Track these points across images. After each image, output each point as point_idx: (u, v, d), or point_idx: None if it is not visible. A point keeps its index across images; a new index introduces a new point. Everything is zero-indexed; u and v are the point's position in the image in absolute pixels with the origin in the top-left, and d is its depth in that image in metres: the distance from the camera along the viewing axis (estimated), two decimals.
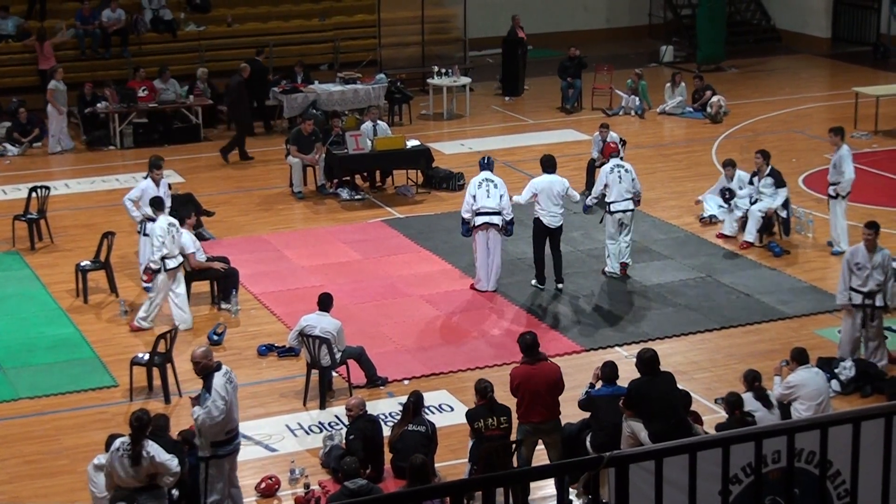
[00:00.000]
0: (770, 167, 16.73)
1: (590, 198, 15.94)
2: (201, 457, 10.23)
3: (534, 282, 15.41)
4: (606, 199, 15.46)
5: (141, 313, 14.38)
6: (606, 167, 15.73)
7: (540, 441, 10.80)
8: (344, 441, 11.15)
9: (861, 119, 22.45)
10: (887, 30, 28.70)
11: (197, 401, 10.17)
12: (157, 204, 14.59)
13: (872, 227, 12.99)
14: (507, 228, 15.16)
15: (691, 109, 23.73)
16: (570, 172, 18.20)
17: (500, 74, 25.69)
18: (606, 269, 15.68)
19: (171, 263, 14.18)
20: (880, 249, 12.93)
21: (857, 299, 12.91)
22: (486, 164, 15.41)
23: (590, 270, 15.93)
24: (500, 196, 15.01)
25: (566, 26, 29.18)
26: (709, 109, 23.30)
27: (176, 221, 14.40)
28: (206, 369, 10.17)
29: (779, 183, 16.64)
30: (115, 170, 20.77)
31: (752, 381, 11.25)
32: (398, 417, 11.43)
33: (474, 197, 15.00)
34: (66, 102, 21.70)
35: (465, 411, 11.42)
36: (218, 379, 10.06)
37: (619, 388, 10.83)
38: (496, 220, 15.01)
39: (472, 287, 15.36)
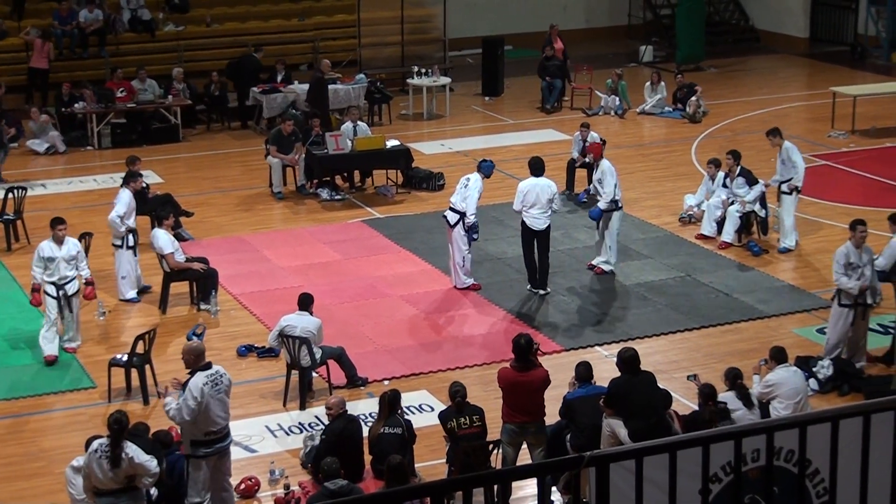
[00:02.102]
0: (740, 167, 16.81)
1: (602, 202, 15.47)
2: (184, 454, 10.22)
3: (528, 287, 15.31)
4: (615, 198, 15.43)
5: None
6: (608, 167, 15.61)
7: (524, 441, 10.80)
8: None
9: (838, 118, 22.56)
10: (864, 30, 28.85)
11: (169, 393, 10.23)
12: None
13: (863, 223, 12.99)
14: (469, 231, 15.04)
15: (670, 109, 23.80)
16: (551, 172, 18.14)
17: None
18: (607, 267, 15.71)
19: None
20: (866, 247, 12.96)
21: (849, 299, 12.93)
22: (481, 167, 15.33)
23: (570, 270, 15.95)
24: (465, 197, 14.97)
25: (546, 26, 29.17)
26: (688, 109, 23.36)
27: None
28: (188, 365, 10.14)
29: (750, 181, 16.72)
30: (92, 170, 20.67)
31: (734, 379, 11.28)
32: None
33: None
34: None
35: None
36: (196, 379, 10.01)
37: (594, 388, 10.82)
38: (452, 217, 15.00)
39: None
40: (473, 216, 14.96)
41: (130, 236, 15.08)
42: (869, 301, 12.99)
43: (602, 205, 15.40)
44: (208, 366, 10.14)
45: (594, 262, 15.82)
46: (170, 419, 10.18)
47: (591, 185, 16.37)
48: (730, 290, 15.36)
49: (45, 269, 13.55)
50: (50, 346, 13.57)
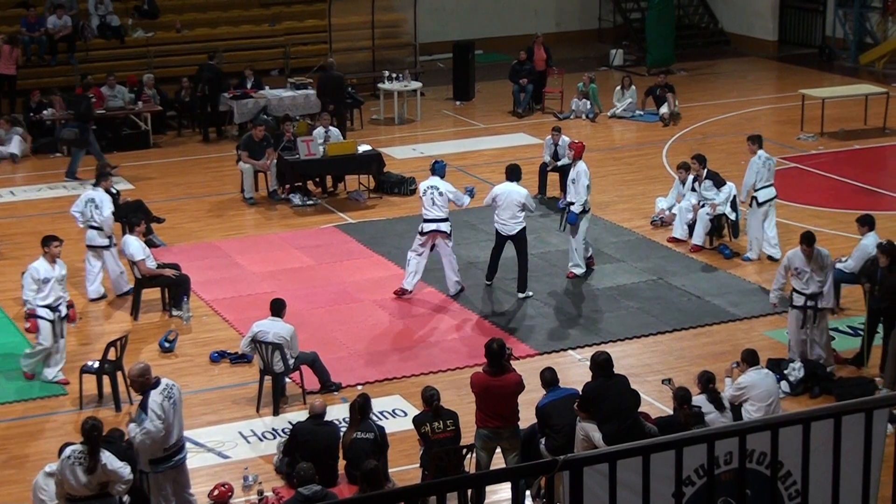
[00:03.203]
0: (707, 170, 16.90)
1: (576, 205, 15.47)
2: (142, 471, 10.10)
3: (486, 281, 15.53)
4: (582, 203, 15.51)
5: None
6: (584, 169, 15.60)
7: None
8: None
9: (807, 121, 22.70)
10: (832, 32, 29.06)
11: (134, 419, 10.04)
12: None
13: (809, 242, 12.98)
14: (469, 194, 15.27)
15: (641, 112, 23.88)
16: (523, 176, 18.24)
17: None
18: (578, 270, 15.77)
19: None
20: (818, 250, 13.00)
21: (800, 301, 13.03)
22: (436, 169, 15.36)
23: (543, 274, 15.98)
24: (450, 201, 14.99)
25: (517, 30, 29.28)
26: (665, 109, 23.46)
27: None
28: (143, 386, 9.95)
29: (718, 183, 16.80)
30: (61, 177, 20.52)
31: (707, 383, 11.32)
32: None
33: (423, 203, 15.04)
34: None
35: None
36: (154, 397, 9.84)
37: (562, 390, 10.83)
38: (444, 226, 15.02)
39: (398, 292, 15.31)
40: (464, 196, 15.13)
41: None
42: (821, 305, 13.00)
43: (576, 208, 15.43)
44: (158, 382, 9.98)
45: (572, 269, 15.85)
46: (137, 446, 9.96)
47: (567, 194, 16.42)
48: (702, 292, 15.43)
49: (39, 292, 12.95)
50: (51, 372, 13.16)
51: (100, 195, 15.29)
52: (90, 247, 15.21)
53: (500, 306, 15.18)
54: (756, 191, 16.11)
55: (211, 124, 22.67)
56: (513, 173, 15.19)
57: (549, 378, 10.93)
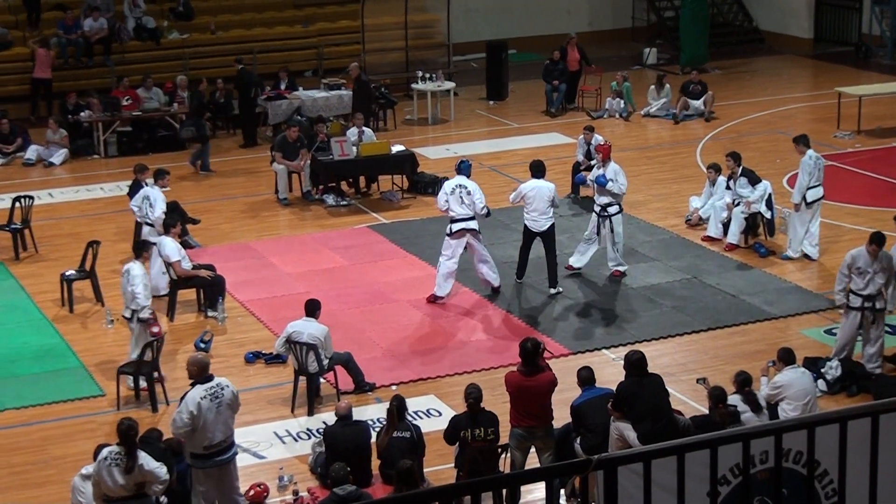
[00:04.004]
0: (742, 168, 16.80)
1: (615, 187, 15.44)
2: (188, 464, 10.25)
3: (516, 278, 15.55)
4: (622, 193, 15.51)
5: None
6: (618, 168, 15.61)
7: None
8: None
9: (844, 119, 22.54)
10: (869, 30, 28.83)
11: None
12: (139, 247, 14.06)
13: (880, 242, 12.81)
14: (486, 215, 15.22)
15: (675, 111, 23.76)
16: (556, 175, 18.21)
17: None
18: (623, 268, 15.81)
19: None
20: (883, 252, 12.88)
21: (857, 302, 12.85)
22: (462, 168, 15.31)
23: (576, 273, 15.94)
24: (473, 202, 14.93)
25: (550, 30, 29.22)
26: (702, 106, 23.40)
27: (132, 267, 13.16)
28: (191, 376, 10.14)
29: (753, 181, 16.69)
30: (99, 179, 20.72)
31: (742, 384, 11.24)
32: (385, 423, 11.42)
33: (448, 202, 14.99)
34: None
35: (450, 416, 11.37)
36: (194, 392, 9.97)
37: (598, 390, 10.81)
38: (472, 224, 15.00)
39: (430, 299, 15.19)
40: (484, 208, 15.05)
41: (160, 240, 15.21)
42: (878, 306, 12.89)
43: (613, 188, 15.36)
44: (209, 378, 10.08)
45: (617, 268, 15.81)
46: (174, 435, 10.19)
47: (587, 178, 16.37)
48: (737, 291, 15.35)
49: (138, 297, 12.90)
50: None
51: (155, 193, 15.42)
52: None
53: (534, 306, 15.16)
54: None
55: (246, 130, 22.65)
56: (539, 169, 15.22)
57: (585, 377, 10.91)
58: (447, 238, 15.06)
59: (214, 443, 10.10)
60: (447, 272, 15.10)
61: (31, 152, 21.55)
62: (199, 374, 10.10)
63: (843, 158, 20.83)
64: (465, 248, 15.12)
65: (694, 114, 23.60)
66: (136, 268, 13.07)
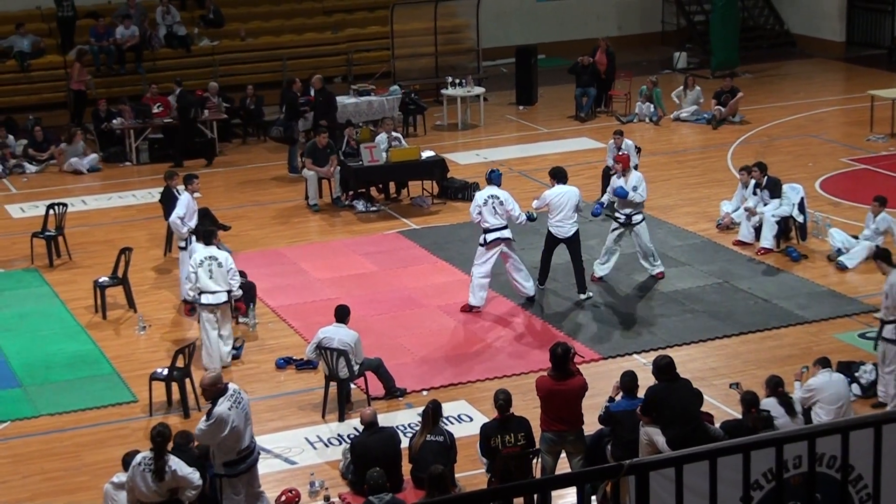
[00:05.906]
0: (767, 177, 16.73)
1: (600, 202, 15.79)
2: (216, 473, 10.24)
3: (537, 284, 15.47)
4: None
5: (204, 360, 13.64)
6: (640, 177, 15.64)
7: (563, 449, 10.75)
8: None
9: (877, 122, 22.38)
10: None
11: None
12: (199, 234, 14.33)
13: None
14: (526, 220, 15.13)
15: (706, 116, 23.64)
16: (586, 181, 18.21)
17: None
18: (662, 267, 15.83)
19: (204, 299, 13.58)
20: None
21: None
22: (492, 178, 15.25)
23: (606, 278, 15.90)
24: (507, 211, 14.87)
25: (579, 34, 29.18)
26: (723, 109, 23.30)
27: (218, 254, 13.69)
28: (215, 394, 10.12)
29: (774, 194, 16.60)
30: (131, 185, 20.84)
31: (775, 387, 11.18)
32: (417, 427, 11.42)
33: (481, 213, 14.94)
34: None
35: (481, 424, 11.34)
36: (221, 408, 9.99)
37: (638, 401, 10.71)
38: (506, 233, 14.96)
39: (465, 309, 15.13)
40: (521, 214, 14.97)
41: (192, 238, 15.18)
42: None
43: (635, 197, 15.33)
44: (225, 389, 10.13)
45: (652, 272, 15.79)
46: (199, 440, 10.22)
47: (607, 196, 16.29)
48: (769, 295, 15.26)
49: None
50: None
51: (183, 197, 15.34)
52: (181, 248, 15.33)
53: (563, 311, 15.12)
54: None
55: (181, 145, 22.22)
56: (563, 175, 15.18)
57: (627, 384, 10.77)
58: (480, 247, 15.03)
59: (244, 446, 10.15)
60: (480, 283, 15.05)
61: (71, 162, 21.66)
62: (216, 389, 10.11)
63: (877, 162, 20.68)
64: (499, 256, 15.08)
65: (728, 117, 23.47)
66: (220, 253, 13.65)
